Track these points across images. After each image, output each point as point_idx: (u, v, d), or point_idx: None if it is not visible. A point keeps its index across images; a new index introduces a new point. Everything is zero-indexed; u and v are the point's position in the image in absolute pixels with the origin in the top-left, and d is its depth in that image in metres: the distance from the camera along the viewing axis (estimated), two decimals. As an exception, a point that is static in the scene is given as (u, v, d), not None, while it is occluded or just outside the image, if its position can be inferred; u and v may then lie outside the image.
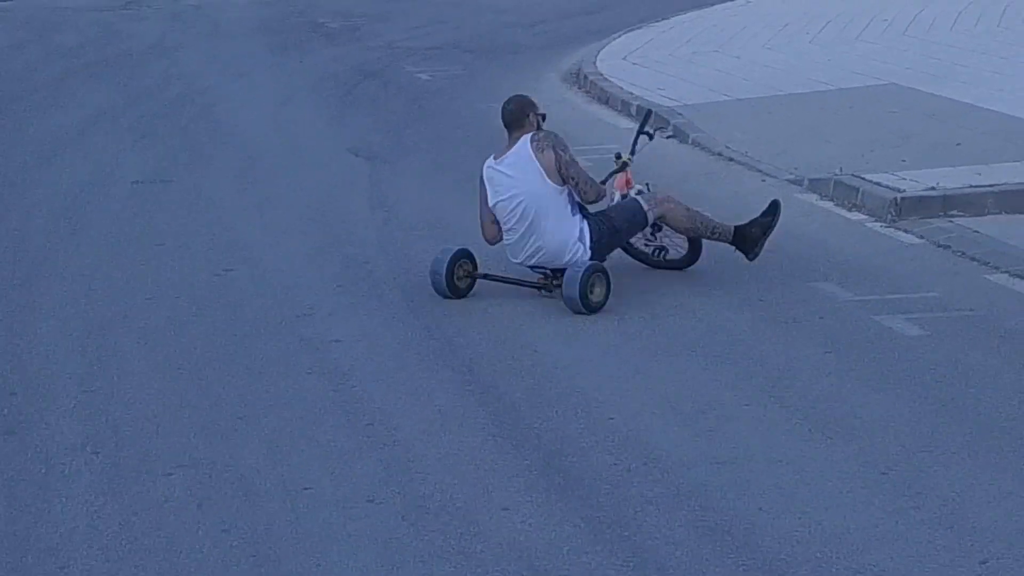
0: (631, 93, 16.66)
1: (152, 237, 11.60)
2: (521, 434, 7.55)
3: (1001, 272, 10.05)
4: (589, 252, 9.72)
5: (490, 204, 9.78)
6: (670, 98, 16.24)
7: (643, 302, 9.66)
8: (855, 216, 11.69)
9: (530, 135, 9.70)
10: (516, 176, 9.68)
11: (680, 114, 15.44)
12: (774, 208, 10.17)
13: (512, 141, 9.79)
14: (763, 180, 12.97)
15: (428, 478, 7.03)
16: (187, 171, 14.09)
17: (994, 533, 6.34)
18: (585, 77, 17.98)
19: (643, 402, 7.91)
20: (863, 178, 12.15)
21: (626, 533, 6.43)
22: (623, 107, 16.40)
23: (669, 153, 14.35)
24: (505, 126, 9.87)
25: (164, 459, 7.31)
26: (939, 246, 10.76)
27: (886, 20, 20.28)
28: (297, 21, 24.95)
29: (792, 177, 12.82)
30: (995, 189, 11.58)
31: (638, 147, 10.69)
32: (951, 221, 11.25)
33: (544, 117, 9.95)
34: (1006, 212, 11.39)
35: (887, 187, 11.82)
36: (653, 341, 8.94)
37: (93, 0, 28.16)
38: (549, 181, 9.65)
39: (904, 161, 12.70)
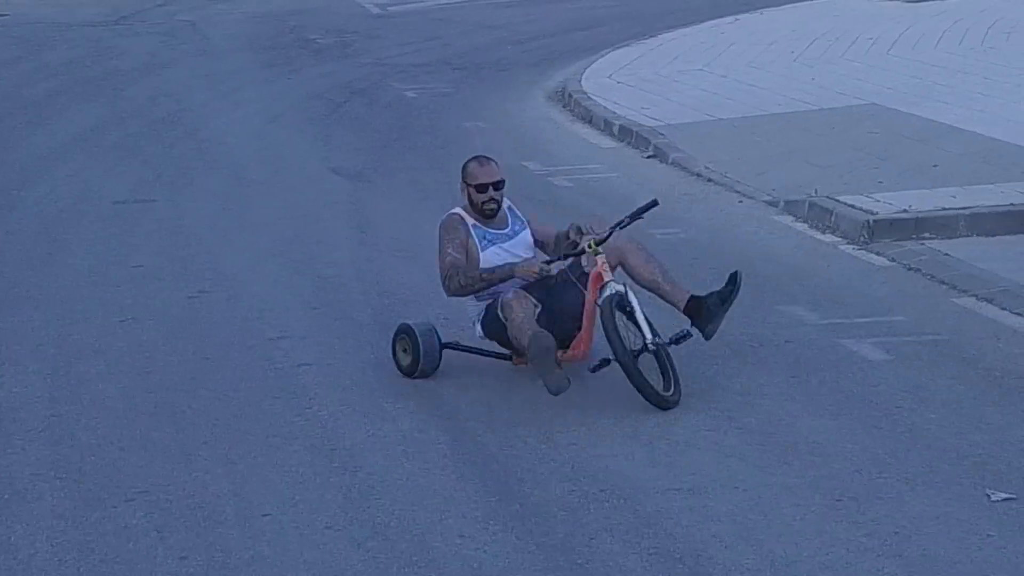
0: (614, 112, 16.74)
1: (130, 259, 11.68)
2: (482, 461, 7.62)
3: (969, 296, 10.12)
4: (481, 331, 8.89)
5: None
6: (653, 118, 16.32)
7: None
8: (828, 238, 11.77)
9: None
10: None
11: (662, 134, 15.52)
12: (734, 279, 8.70)
13: None
14: (740, 201, 13.05)
15: (387, 505, 7.10)
16: (170, 191, 14.17)
17: (945, 562, 6.41)
18: (569, 96, 18.07)
19: (603, 429, 7.98)
20: (837, 200, 12.23)
21: (579, 560, 6.50)
22: (605, 126, 16.48)
23: (648, 174, 14.44)
24: None
25: (126, 485, 7.39)
26: (909, 269, 10.83)
27: (871, 39, 20.35)
28: (289, 38, 25.03)
29: (769, 199, 12.91)
30: (968, 211, 11.65)
31: (618, 227, 8.80)
32: (923, 244, 11.32)
33: (482, 188, 8.71)
34: (978, 235, 11.46)
35: (860, 209, 11.89)
36: (614, 367, 8.98)
37: (86, 16, 28.26)
38: None
39: (881, 183, 12.77)
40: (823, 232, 11.92)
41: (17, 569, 6.57)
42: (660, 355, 8.34)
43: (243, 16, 28.18)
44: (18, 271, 11.43)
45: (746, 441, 7.79)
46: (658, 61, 20.20)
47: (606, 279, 8.40)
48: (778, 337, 9.40)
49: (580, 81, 18.82)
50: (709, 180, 13.86)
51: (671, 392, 8.22)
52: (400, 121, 17.62)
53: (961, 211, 11.68)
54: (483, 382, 8.74)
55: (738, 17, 24.04)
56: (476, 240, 8.74)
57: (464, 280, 8.64)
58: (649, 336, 8.26)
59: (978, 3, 22.64)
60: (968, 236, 11.47)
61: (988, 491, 7.07)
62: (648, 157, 15.05)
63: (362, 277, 11.02)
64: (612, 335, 8.14)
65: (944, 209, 11.76)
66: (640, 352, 8.25)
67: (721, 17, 24.11)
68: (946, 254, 11.02)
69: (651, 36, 22.56)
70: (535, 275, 8.54)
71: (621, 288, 8.36)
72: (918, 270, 10.77)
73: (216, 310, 10.31)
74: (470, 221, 8.76)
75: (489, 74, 20.81)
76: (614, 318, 8.19)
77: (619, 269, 8.67)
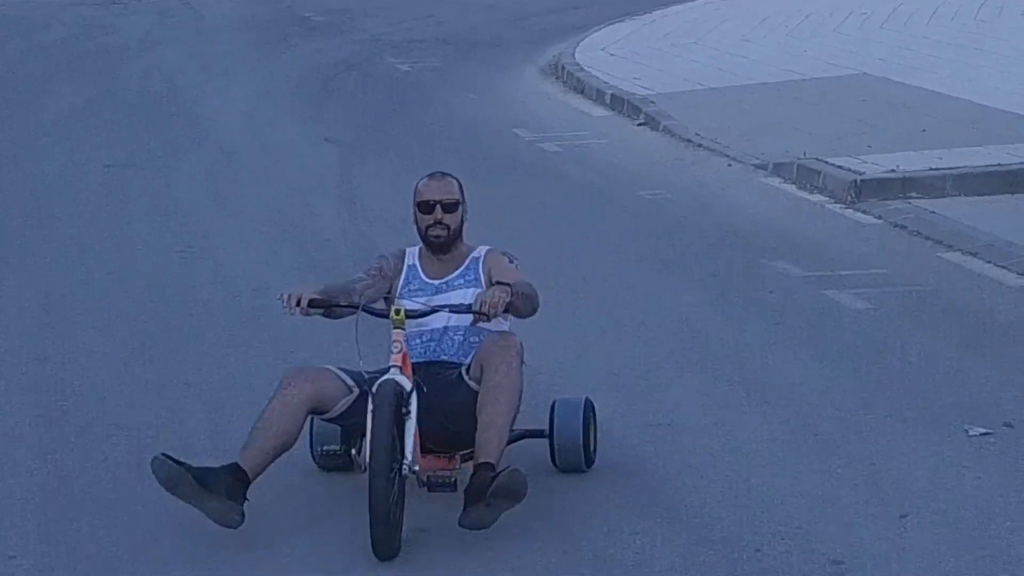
0: (606, 83, 16.75)
1: (117, 219, 11.69)
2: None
3: (955, 251, 10.15)
4: None
5: None
6: (644, 87, 16.33)
7: (593, 281, 9.73)
8: (815, 198, 11.79)
9: None
10: None
11: (653, 103, 15.54)
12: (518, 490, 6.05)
13: None
14: (729, 165, 13.07)
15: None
16: (160, 159, 14.16)
17: (915, 491, 6.45)
18: (562, 68, 18.08)
19: (584, 373, 7.99)
20: (825, 161, 12.25)
21: (554, 487, 6.52)
22: (597, 96, 16.50)
23: (638, 140, 14.46)
24: None
25: (107, 423, 7.41)
26: (895, 226, 10.86)
27: (864, 14, 20.37)
28: (284, 16, 25.03)
29: (758, 162, 12.92)
30: (955, 172, 11.68)
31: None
32: (909, 203, 11.34)
33: (426, 207, 6.63)
34: (965, 195, 11.47)
35: (848, 170, 11.91)
36: (599, 318, 9.01)
37: (82, -4, 28.26)
38: None
39: (870, 147, 12.79)
40: (811, 192, 11.94)
41: (-6, 501, 6.59)
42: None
43: (238, -4, 28.19)
44: (7, 227, 11.44)
45: (726, 383, 7.81)
46: (651, 36, 20.22)
47: (393, 361, 6.14)
48: (762, 289, 9.42)
49: (573, 54, 18.82)
50: (699, 146, 13.88)
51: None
52: (392, 94, 17.62)
53: (948, 171, 11.70)
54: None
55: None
56: (400, 283, 6.65)
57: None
58: (408, 458, 6.02)
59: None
60: (955, 196, 11.48)
61: (966, 427, 7.09)
62: (639, 125, 15.07)
63: (350, 242, 11.01)
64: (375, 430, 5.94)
65: (931, 169, 11.79)
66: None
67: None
68: (932, 212, 11.04)
69: (645, 13, 22.58)
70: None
71: (408, 386, 6.11)
72: (904, 227, 10.80)
73: (202, 267, 10.32)
74: (411, 261, 6.69)
75: (483, 50, 20.81)
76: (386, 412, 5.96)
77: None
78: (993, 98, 14.26)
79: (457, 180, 6.70)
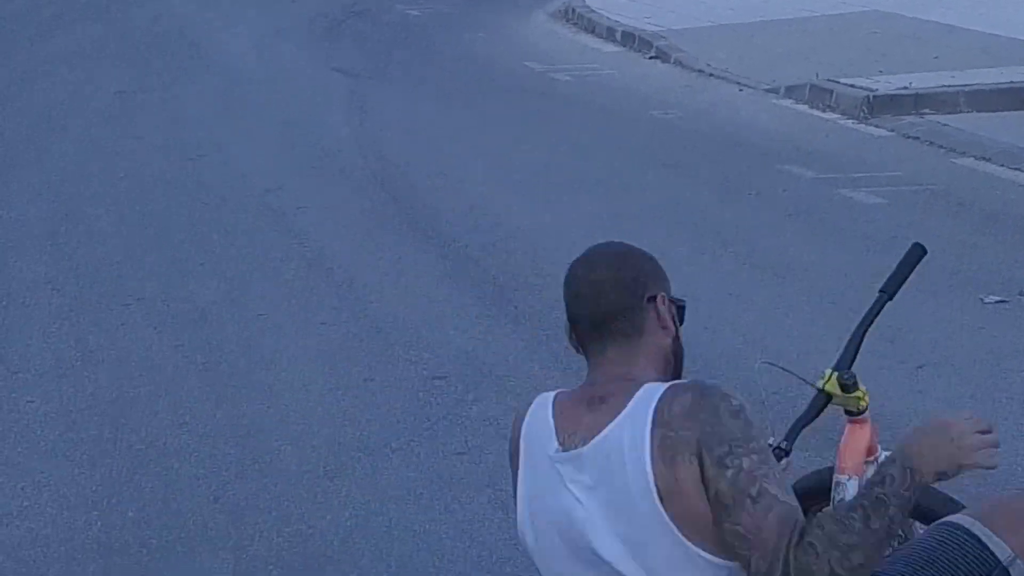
0: (616, 21, 16.73)
1: (130, 132, 11.70)
2: (479, 277, 7.66)
3: (968, 157, 10.13)
4: None
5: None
6: (655, 24, 16.31)
7: (607, 182, 9.73)
8: (828, 115, 11.77)
9: (655, 391, 3.11)
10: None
11: (664, 37, 15.52)
12: None
13: (600, 383, 3.20)
14: (740, 90, 13.05)
15: (383, 307, 7.14)
16: (169, 85, 14.16)
17: (931, 346, 6.45)
18: (573, 10, 18.05)
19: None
20: (837, 82, 12.23)
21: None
22: (608, 34, 16.48)
23: (650, 72, 14.44)
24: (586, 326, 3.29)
25: (123, 294, 7.43)
26: (908, 138, 10.83)
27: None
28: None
29: (769, 87, 12.91)
30: (968, 88, 11.65)
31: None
32: (923, 117, 11.32)
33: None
34: (978, 111, 11.45)
35: (860, 88, 11.90)
36: (613, 209, 9.00)
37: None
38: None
39: (881, 72, 12.77)
40: (823, 111, 11.92)
41: (12, 358, 6.60)
42: None
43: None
44: (18, 145, 11.44)
45: (740, 263, 7.81)
46: (661, -19, 20.19)
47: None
48: (775, 187, 9.41)
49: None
50: (710, 75, 13.85)
51: None
52: (402, 35, 17.60)
53: (961, 88, 11.68)
54: (483, 220, 8.75)
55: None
56: None
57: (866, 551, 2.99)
58: None
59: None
60: (968, 112, 11.45)
61: (981, 296, 7.09)
62: (650, 58, 15.05)
63: (362, 147, 11.02)
64: None
65: (944, 86, 11.76)
66: None
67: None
68: (945, 125, 11.02)
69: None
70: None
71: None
72: (916, 138, 10.78)
73: (214, 169, 10.32)
74: None
75: (494, -4, 20.80)
76: None
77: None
78: (1005, 27, 14.22)
79: None
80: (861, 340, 4.04)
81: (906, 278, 4.19)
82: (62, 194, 9.65)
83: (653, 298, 3.25)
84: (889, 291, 4.13)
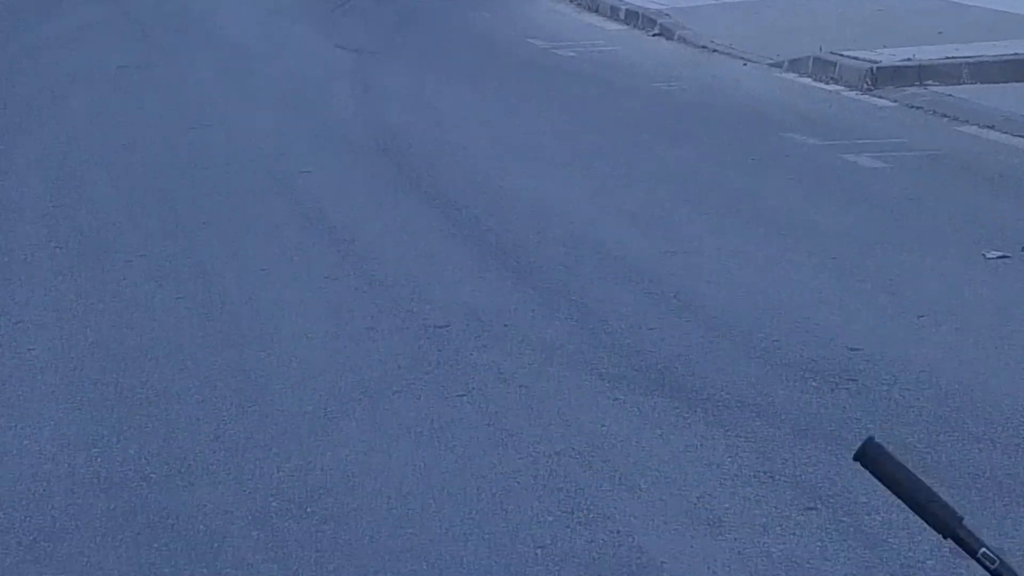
0: (620, 0, 16.72)
1: (132, 103, 11.69)
2: (480, 235, 7.65)
3: (971, 124, 10.12)
4: None
5: None
6: (659, 2, 16.29)
7: (610, 147, 9.73)
8: (832, 87, 11.76)
9: None
10: None
11: (667, 15, 15.50)
12: None
13: None
14: (744, 65, 13.04)
15: (385, 263, 7.14)
16: (172, 60, 14.16)
17: (930, 296, 6.46)
18: (577, -10, 18.04)
19: (601, 212, 8.00)
20: (840, 54, 12.22)
21: (573, 298, 6.53)
22: (612, 12, 16.46)
23: (654, 48, 14.43)
24: None
25: (125, 251, 7.42)
26: (912, 107, 10.83)
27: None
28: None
29: (772, 62, 12.90)
30: (971, 60, 11.64)
31: None
32: (926, 88, 11.31)
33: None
34: (981, 82, 11.44)
35: (863, 60, 11.89)
36: (616, 171, 9.00)
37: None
38: None
39: (885, 46, 12.75)
40: (827, 83, 11.92)
41: (14, 310, 6.60)
42: None
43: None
44: (21, 114, 11.43)
45: (744, 221, 7.80)
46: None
47: None
48: (778, 153, 9.41)
49: (587, -21, 18.78)
50: (714, 51, 13.84)
51: None
52: (405, 13, 17.58)
53: (965, 60, 11.66)
54: (486, 184, 8.75)
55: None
56: None
57: None
58: None
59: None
60: (971, 84, 11.44)
61: (983, 252, 7.08)
62: (654, 35, 15.04)
63: (365, 117, 11.01)
64: None
65: (948, 58, 11.75)
66: None
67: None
68: (948, 95, 11.01)
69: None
70: None
71: None
72: (920, 108, 10.77)
73: (216, 139, 10.30)
74: None
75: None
76: None
77: None
78: (1011, 3, 14.20)
79: None
80: None
81: None
82: (65, 160, 9.65)
83: None
84: None
